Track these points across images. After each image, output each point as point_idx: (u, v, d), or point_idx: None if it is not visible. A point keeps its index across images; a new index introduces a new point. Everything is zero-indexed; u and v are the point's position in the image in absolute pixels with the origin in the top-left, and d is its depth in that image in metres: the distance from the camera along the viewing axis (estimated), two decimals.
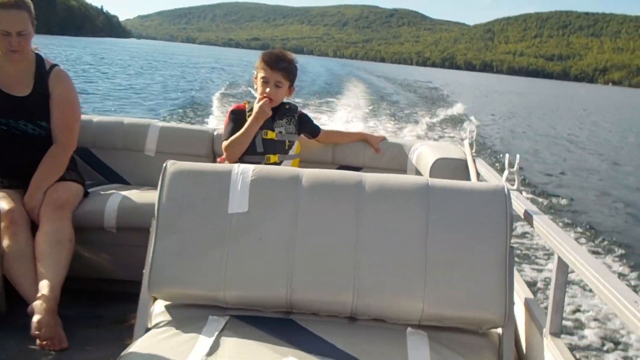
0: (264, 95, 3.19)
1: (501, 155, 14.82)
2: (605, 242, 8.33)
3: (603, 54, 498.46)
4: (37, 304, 2.72)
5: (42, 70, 3.29)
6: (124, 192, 3.39)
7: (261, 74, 3.21)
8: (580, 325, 5.13)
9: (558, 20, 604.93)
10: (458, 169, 3.32)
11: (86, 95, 19.86)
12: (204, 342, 1.95)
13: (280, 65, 3.20)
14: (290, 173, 2.29)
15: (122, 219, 3.24)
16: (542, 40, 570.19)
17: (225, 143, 3.19)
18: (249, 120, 3.17)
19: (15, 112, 3.20)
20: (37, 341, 2.70)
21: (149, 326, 2.18)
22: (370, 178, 2.27)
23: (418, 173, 3.50)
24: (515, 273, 2.29)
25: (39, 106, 3.24)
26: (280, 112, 3.29)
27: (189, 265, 2.15)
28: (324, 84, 37.80)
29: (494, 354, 2.10)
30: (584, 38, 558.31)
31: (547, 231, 2.10)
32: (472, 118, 23.51)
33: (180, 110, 18.02)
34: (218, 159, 3.45)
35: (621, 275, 6.72)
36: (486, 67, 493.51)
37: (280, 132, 3.26)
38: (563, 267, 1.96)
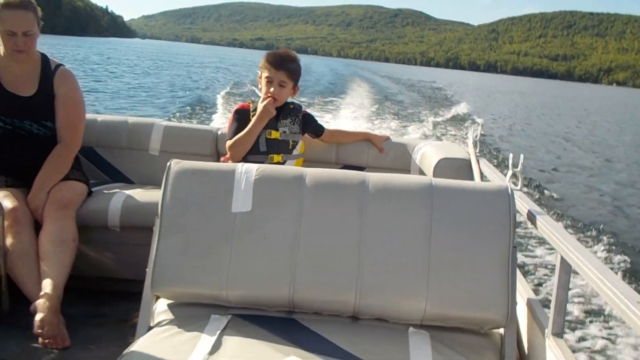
0: (268, 94, 3.19)
1: (499, 152, 15.41)
2: (607, 240, 8.32)
3: (608, 54, 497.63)
4: (40, 303, 2.73)
5: (48, 70, 3.30)
6: (127, 191, 3.40)
7: (265, 74, 3.21)
8: (582, 326, 5.11)
9: (562, 20, 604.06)
10: (462, 168, 3.31)
11: (97, 94, 20.33)
12: (206, 340, 1.95)
13: (284, 65, 3.20)
14: (294, 172, 2.29)
15: (126, 218, 3.24)
16: (547, 41, 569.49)
17: (229, 142, 3.20)
18: (253, 119, 3.17)
19: (20, 112, 3.21)
20: (40, 339, 2.70)
21: (152, 325, 2.19)
22: (373, 178, 2.27)
23: (422, 173, 3.50)
24: (518, 273, 2.29)
25: (44, 106, 3.25)
26: (285, 111, 3.29)
27: (192, 264, 2.15)
28: (328, 83, 37.92)
29: (496, 354, 2.10)
30: (589, 38, 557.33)
31: (550, 231, 2.09)
32: (476, 118, 23.48)
33: (188, 108, 18.41)
34: (222, 159, 3.46)
35: (624, 276, 6.70)
36: (490, 68, 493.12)
37: (284, 132, 3.26)
38: (566, 267, 1.96)
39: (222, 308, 2.19)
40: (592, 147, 21.71)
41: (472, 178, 3.19)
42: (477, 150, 3.50)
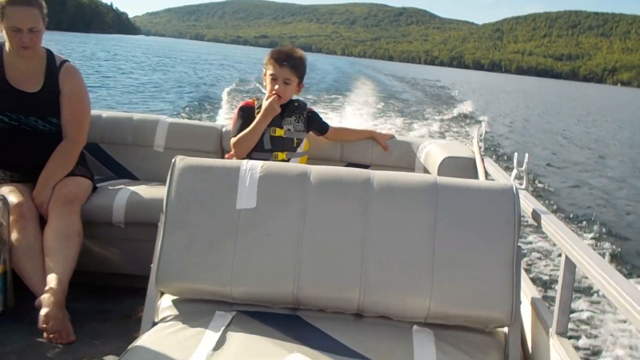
0: (273, 92, 3.19)
1: (498, 147, 15.71)
2: (609, 240, 8.32)
3: (612, 54, 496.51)
4: (45, 297, 2.74)
5: (53, 66, 3.30)
6: (132, 188, 3.40)
7: (270, 71, 3.21)
8: (587, 325, 5.11)
9: (567, 20, 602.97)
10: (466, 167, 3.31)
11: (108, 90, 20.57)
12: (211, 336, 1.95)
13: (288, 62, 3.19)
14: (298, 170, 2.29)
15: (131, 214, 3.25)
16: (551, 40, 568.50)
17: (233, 140, 3.20)
18: (258, 117, 3.17)
19: (25, 108, 3.21)
20: (45, 334, 2.71)
21: (156, 320, 2.19)
22: (378, 175, 2.27)
23: (426, 171, 3.50)
24: (522, 272, 2.28)
25: (50, 102, 3.26)
26: (289, 109, 3.29)
27: (197, 260, 2.16)
28: (333, 81, 37.97)
29: (499, 353, 2.10)
30: (594, 38, 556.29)
31: (554, 230, 2.09)
32: (481, 117, 23.49)
33: (195, 103, 18.68)
34: (226, 155, 3.45)
35: (628, 275, 6.69)
36: (494, 67, 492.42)
37: (289, 130, 3.26)
38: (570, 267, 1.96)
39: (226, 304, 2.19)
40: (588, 144, 22.09)
41: (476, 177, 3.19)
42: (482, 149, 3.50)
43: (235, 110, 3.34)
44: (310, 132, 3.44)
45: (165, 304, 2.24)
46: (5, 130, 3.20)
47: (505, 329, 2.17)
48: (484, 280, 2.11)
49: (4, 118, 3.19)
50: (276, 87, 3.19)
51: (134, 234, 3.26)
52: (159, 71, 34.28)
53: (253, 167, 2.27)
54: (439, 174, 3.23)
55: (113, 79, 25.47)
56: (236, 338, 1.96)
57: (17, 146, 3.22)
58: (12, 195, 2.99)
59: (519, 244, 2.17)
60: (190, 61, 53.67)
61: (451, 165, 3.30)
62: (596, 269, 1.70)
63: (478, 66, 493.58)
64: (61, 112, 3.28)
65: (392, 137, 3.78)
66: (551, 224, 2.15)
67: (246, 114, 3.25)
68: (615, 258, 7.47)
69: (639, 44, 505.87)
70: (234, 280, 2.13)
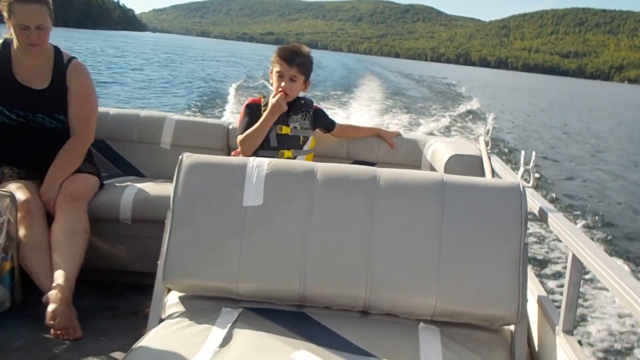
0: (279, 89, 3.19)
1: (501, 141, 16.04)
2: (617, 238, 8.31)
3: (620, 52, 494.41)
4: (52, 294, 2.75)
5: (60, 63, 3.31)
6: (139, 185, 3.41)
7: (276, 69, 3.21)
8: (593, 324, 5.10)
9: (574, 17, 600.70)
10: (473, 165, 3.31)
11: (120, 86, 21.27)
12: (217, 333, 1.96)
13: (295, 60, 3.19)
14: (305, 167, 2.29)
15: (138, 211, 3.26)
16: (558, 37, 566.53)
17: (240, 137, 3.20)
18: (264, 114, 3.17)
19: (33, 105, 3.22)
20: (52, 330, 2.72)
21: (163, 317, 2.20)
22: (384, 173, 2.27)
23: (432, 169, 3.50)
24: (529, 270, 2.28)
25: (57, 99, 3.26)
26: (296, 107, 3.29)
27: (204, 257, 2.16)
28: (339, 78, 38.07)
29: (506, 351, 2.10)
30: (601, 35, 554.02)
31: (561, 228, 2.09)
32: (487, 115, 23.50)
33: (204, 98, 19.17)
34: (233, 153, 3.46)
35: (636, 273, 6.68)
36: (501, 64, 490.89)
37: (295, 128, 3.26)
38: (577, 265, 1.96)
39: (233, 301, 2.19)
40: (586, 139, 22.64)
41: (483, 175, 3.18)
42: (489, 147, 3.49)
43: (242, 108, 3.34)
44: (317, 130, 3.44)
45: (172, 301, 2.25)
46: (12, 127, 3.21)
47: (512, 327, 2.17)
48: (491, 278, 2.11)
49: (11, 115, 3.20)
50: (282, 84, 3.19)
51: (141, 230, 3.27)
52: (169, 67, 34.72)
53: (260, 165, 2.27)
54: (445, 171, 3.23)
55: (124, 75, 25.83)
56: (243, 335, 1.96)
57: (25, 143, 3.23)
58: (19, 192, 3.00)
59: (526, 241, 2.16)
60: (198, 57, 54.09)
61: (458, 163, 3.29)
62: (603, 267, 1.70)
63: (484, 63, 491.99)
64: (68, 109, 3.29)
65: (399, 134, 3.77)
66: (558, 221, 2.15)
67: (253, 112, 3.25)
68: (606, 243, 7.78)
69: None
70: (240, 277, 2.13)
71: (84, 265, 2.96)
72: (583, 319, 5.14)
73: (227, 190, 2.23)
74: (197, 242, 2.18)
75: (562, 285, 2.01)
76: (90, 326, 2.85)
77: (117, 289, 3.31)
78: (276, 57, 3.22)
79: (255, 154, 3.12)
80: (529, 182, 2.67)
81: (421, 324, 2.13)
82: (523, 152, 2.77)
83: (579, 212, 9.56)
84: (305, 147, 3.30)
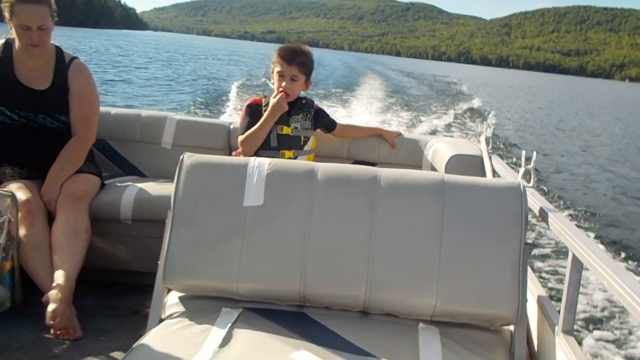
0: (280, 89, 3.19)
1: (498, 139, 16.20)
2: (619, 239, 8.31)
3: (621, 50, 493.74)
4: (53, 294, 2.75)
5: (62, 63, 3.31)
6: (140, 185, 3.41)
7: (277, 68, 3.21)
8: (593, 324, 5.10)
9: (576, 15, 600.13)
10: (474, 165, 3.31)
11: (127, 84, 21.81)
12: (217, 333, 1.96)
13: (295, 59, 3.19)
14: (305, 167, 2.29)
15: (138, 211, 3.26)
16: (560, 36, 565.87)
17: (241, 137, 3.20)
18: (265, 114, 3.17)
19: (34, 105, 3.22)
20: (52, 330, 2.73)
21: (163, 317, 2.20)
22: (385, 173, 2.27)
23: (433, 169, 3.50)
24: (529, 270, 2.28)
25: (58, 100, 3.26)
26: (297, 107, 3.29)
27: (204, 257, 2.17)
28: (341, 77, 38.21)
29: (505, 351, 2.10)
30: (602, 33, 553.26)
31: (562, 228, 2.09)
32: (487, 113, 23.59)
33: (208, 96, 19.54)
34: (234, 153, 3.46)
35: (637, 274, 6.67)
36: (502, 62, 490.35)
37: (296, 128, 3.26)
38: (577, 265, 1.96)
39: (233, 301, 2.20)
40: (580, 135, 23.23)
41: (484, 175, 3.18)
42: (489, 147, 3.49)
43: (243, 108, 3.34)
44: (318, 130, 3.44)
45: (172, 301, 2.25)
46: (14, 128, 3.21)
47: (511, 327, 2.17)
48: (491, 278, 2.11)
49: (12, 115, 3.20)
50: (283, 84, 3.19)
51: (142, 230, 3.27)
52: (172, 66, 35.16)
53: (261, 165, 2.27)
54: (446, 171, 3.23)
55: (130, 74, 26.26)
56: (242, 335, 1.97)
57: (26, 143, 3.23)
58: (20, 191, 3.00)
59: (526, 241, 2.16)
60: (200, 56, 54.53)
61: (458, 163, 3.29)
62: (603, 267, 1.69)
63: (485, 62, 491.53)
64: (70, 109, 3.29)
65: (400, 134, 3.77)
66: (558, 222, 2.15)
67: (254, 112, 3.25)
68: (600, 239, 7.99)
69: None
70: (240, 277, 2.14)
71: (84, 265, 2.96)
72: (583, 319, 5.13)
73: (228, 190, 2.23)
74: (197, 242, 2.18)
75: (561, 285, 2.01)
76: (90, 326, 2.85)
77: (118, 289, 3.31)
78: (277, 57, 3.22)
79: (256, 154, 3.11)
80: (529, 182, 2.67)
81: (421, 324, 2.13)
82: (524, 152, 2.78)
83: (568, 203, 10.06)
84: (306, 148, 3.30)
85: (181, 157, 2.30)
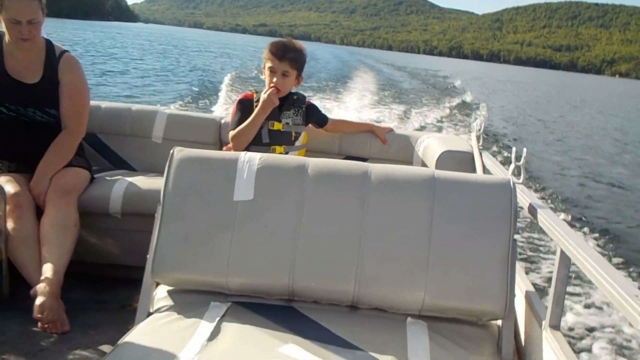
0: (271, 85, 3.18)
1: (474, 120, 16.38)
2: (604, 235, 8.38)
3: (612, 46, 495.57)
4: (41, 287, 2.74)
5: (52, 56, 3.29)
6: (129, 178, 3.40)
7: (268, 64, 3.20)
8: (580, 319, 5.13)
9: (567, 10, 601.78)
10: (464, 161, 3.32)
11: (125, 76, 22.06)
12: (205, 327, 1.96)
13: (287, 55, 3.18)
14: (296, 162, 2.30)
15: (128, 205, 3.25)
16: (551, 31, 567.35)
17: (232, 133, 3.19)
18: (256, 110, 3.16)
19: (24, 99, 3.20)
20: (40, 324, 2.72)
21: (151, 311, 2.20)
22: (376, 169, 2.27)
23: (424, 165, 3.50)
24: (517, 265, 2.30)
25: (49, 94, 3.25)
26: (288, 102, 3.28)
27: (193, 252, 2.17)
28: (333, 70, 38.28)
29: (493, 346, 2.11)
30: (593, 29, 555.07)
31: (550, 224, 2.10)
32: (479, 112, 23.77)
33: (201, 88, 19.61)
34: (225, 147, 3.45)
35: (623, 269, 6.72)
36: (493, 57, 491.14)
37: (287, 123, 3.25)
38: (565, 261, 1.97)
39: (221, 295, 2.20)
40: (557, 128, 23.89)
41: (474, 171, 3.20)
42: (480, 144, 3.50)
43: (234, 103, 3.33)
44: (309, 125, 3.44)
45: (161, 295, 2.25)
46: (3, 121, 3.20)
47: (499, 322, 2.18)
48: (479, 273, 2.12)
49: (2, 109, 3.18)
50: (274, 80, 3.17)
51: (131, 224, 3.26)
52: (167, 59, 35.36)
53: (251, 159, 2.27)
54: (437, 167, 3.23)
55: (128, 65, 26.72)
56: (231, 329, 1.97)
57: (15, 137, 3.22)
58: (9, 185, 2.99)
59: (515, 237, 2.18)
60: (194, 49, 54.66)
61: (449, 159, 3.30)
62: (591, 263, 1.71)
63: (477, 56, 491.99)
64: (60, 103, 3.27)
65: (391, 130, 3.77)
66: (547, 218, 2.16)
67: (245, 107, 3.23)
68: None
69: (639, 36, 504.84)
70: (230, 271, 2.14)
71: (73, 258, 2.96)
72: (570, 314, 5.17)
73: (218, 184, 2.23)
74: (186, 236, 2.18)
75: (549, 281, 2.02)
76: (78, 320, 2.85)
77: (107, 283, 3.31)
78: (268, 52, 3.20)
79: (247, 149, 3.09)
80: (519, 179, 2.68)
81: (409, 319, 2.14)
82: (514, 149, 2.78)
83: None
84: (297, 143, 3.29)
85: (171, 151, 2.30)
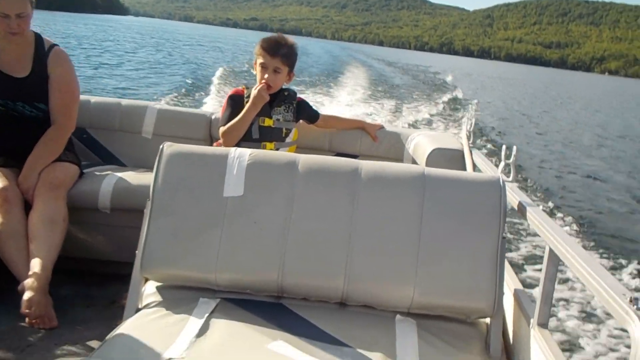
0: (263, 81, 3.17)
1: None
2: (594, 234, 8.43)
3: (601, 43, 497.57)
4: (28, 282, 2.73)
5: (41, 50, 3.27)
6: (119, 174, 3.39)
7: (260, 60, 3.19)
8: (568, 317, 5.16)
9: (558, 7, 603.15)
10: (454, 159, 3.32)
11: (120, 68, 22.41)
12: (194, 323, 1.96)
13: (278, 51, 3.17)
14: (286, 158, 2.30)
15: (117, 200, 3.23)
16: (541, 28, 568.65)
17: (222, 129, 3.18)
18: (247, 106, 3.15)
19: (13, 93, 3.18)
20: (27, 319, 2.71)
21: (140, 307, 2.20)
22: (366, 165, 2.28)
23: (414, 162, 3.51)
24: (506, 264, 2.30)
25: (38, 88, 3.23)
26: (279, 98, 3.27)
27: (182, 247, 2.16)
28: (325, 65, 38.33)
29: (481, 343, 2.12)
30: (583, 26, 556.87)
31: (539, 223, 2.11)
32: (470, 109, 23.88)
33: (193, 82, 19.58)
34: (215, 143, 3.44)
35: (611, 268, 6.76)
36: (484, 54, 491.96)
37: (278, 120, 3.25)
38: (554, 260, 1.98)
39: (210, 291, 2.20)
40: (539, 122, 24.61)
41: (464, 169, 3.20)
42: (470, 141, 3.51)
43: (225, 99, 3.32)
44: (300, 121, 3.43)
45: (150, 291, 2.24)
46: None
47: (487, 320, 2.20)
48: (468, 271, 2.13)
49: None
50: (266, 76, 3.17)
51: (120, 220, 3.25)
52: (160, 52, 35.52)
53: (241, 155, 2.27)
54: (427, 165, 3.24)
55: (123, 58, 27.04)
56: (220, 325, 1.97)
57: (4, 131, 3.20)
58: None
59: (504, 235, 2.18)
60: (186, 42, 54.72)
61: (439, 157, 3.31)
62: (579, 262, 1.71)
63: (468, 53, 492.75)
64: (49, 98, 3.25)
65: (382, 127, 3.78)
66: (536, 216, 2.17)
67: (235, 103, 3.22)
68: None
69: (628, 33, 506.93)
70: (219, 267, 2.14)
71: (61, 253, 2.94)
72: (558, 312, 5.19)
73: (208, 180, 2.23)
74: (176, 232, 2.18)
75: (538, 279, 2.02)
76: (67, 316, 2.84)
77: (96, 279, 3.29)
78: (259, 48, 3.19)
79: (238, 145, 3.08)
80: (509, 177, 2.68)
81: (398, 316, 2.15)
82: (504, 147, 2.79)
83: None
84: (288, 140, 3.29)
85: (161, 146, 2.29)
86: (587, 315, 5.22)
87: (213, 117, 3.82)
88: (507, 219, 2.23)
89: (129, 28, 77.68)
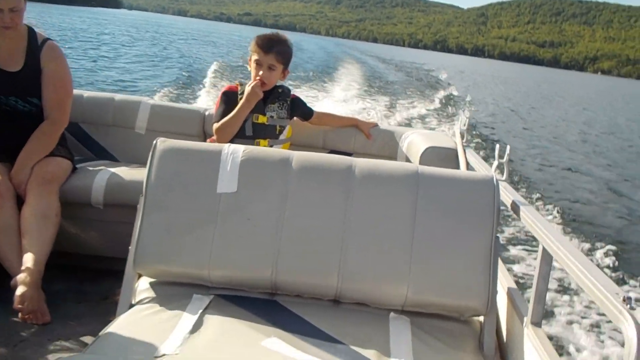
0: (257, 77, 3.16)
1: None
2: (590, 233, 8.46)
3: (594, 43, 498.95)
4: (21, 277, 2.71)
5: (34, 44, 3.25)
6: (112, 169, 3.37)
7: (255, 57, 3.18)
8: (561, 316, 5.18)
9: (551, 6, 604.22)
10: (448, 157, 3.33)
11: (118, 61, 22.62)
12: (187, 319, 1.96)
13: (273, 48, 3.16)
14: (280, 155, 2.29)
15: (110, 196, 3.22)
16: (535, 27, 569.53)
17: (216, 125, 3.16)
18: (240, 102, 3.14)
19: (6, 88, 3.16)
20: (20, 314, 2.70)
21: (133, 303, 2.19)
22: (360, 163, 2.28)
23: (408, 160, 3.51)
24: (500, 262, 2.31)
25: (31, 82, 3.21)
26: (273, 95, 3.26)
27: (175, 243, 2.16)
28: (319, 61, 38.33)
29: (475, 342, 2.13)
30: (577, 26, 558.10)
31: (533, 222, 2.12)
32: (463, 108, 23.94)
33: (183, 75, 19.67)
34: (208, 139, 3.43)
35: (604, 267, 6.79)
36: (478, 52, 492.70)
37: (272, 117, 3.24)
38: (547, 258, 1.98)
39: (204, 288, 2.20)
40: (527, 118, 25.10)
41: (458, 167, 3.21)
42: (464, 140, 3.52)
43: (219, 95, 3.31)
44: (294, 118, 3.43)
45: (143, 287, 2.24)
46: None
47: (481, 318, 2.20)
48: (462, 269, 2.14)
49: None
50: (261, 73, 3.16)
51: (113, 215, 3.24)
52: (157, 46, 35.52)
53: (235, 152, 2.27)
54: (420, 163, 3.24)
55: (119, 51, 27.18)
56: (213, 321, 1.97)
57: None
58: None
59: (497, 234, 2.19)
60: (181, 36, 54.82)
61: (433, 155, 3.31)
62: (572, 261, 1.72)
63: (461, 50, 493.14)
64: (43, 92, 3.23)
65: (376, 125, 3.78)
66: (530, 215, 2.18)
67: (229, 99, 3.21)
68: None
69: (621, 33, 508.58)
70: (212, 263, 2.14)
71: (54, 249, 2.93)
72: (552, 311, 5.21)
73: (201, 176, 2.22)
74: (169, 227, 2.17)
75: (531, 278, 2.03)
76: (60, 311, 2.83)
77: (89, 274, 3.28)
78: (254, 45, 3.19)
79: (231, 142, 3.08)
80: (502, 176, 2.69)
81: (392, 314, 2.15)
82: (497, 146, 2.80)
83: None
84: (282, 137, 3.28)
85: (154, 141, 2.28)
86: (581, 314, 5.24)
87: (207, 113, 3.80)
88: (500, 218, 2.23)
89: (123, 21, 77.60)
